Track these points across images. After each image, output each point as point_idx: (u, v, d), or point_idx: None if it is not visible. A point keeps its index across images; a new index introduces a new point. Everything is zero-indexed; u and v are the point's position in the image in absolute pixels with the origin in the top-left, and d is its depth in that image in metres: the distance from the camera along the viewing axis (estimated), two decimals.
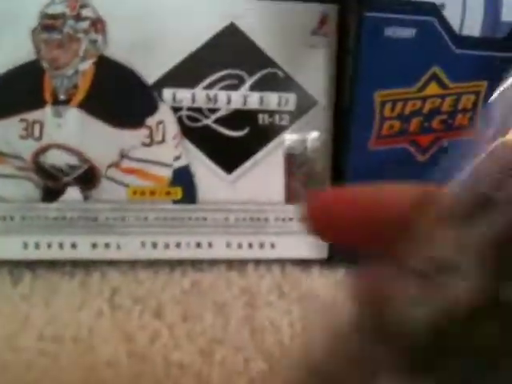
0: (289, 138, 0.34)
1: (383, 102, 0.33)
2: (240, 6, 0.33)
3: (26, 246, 0.34)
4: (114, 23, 0.32)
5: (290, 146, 0.34)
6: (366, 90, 0.32)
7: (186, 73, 0.33)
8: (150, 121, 0.33)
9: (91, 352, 0.29)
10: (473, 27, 0.33)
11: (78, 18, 0.32)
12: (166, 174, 0.34)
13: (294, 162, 0.34)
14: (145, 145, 0.34)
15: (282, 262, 0.35)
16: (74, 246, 0.34)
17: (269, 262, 0.35)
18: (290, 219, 0.35)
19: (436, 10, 0.31)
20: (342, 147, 0.34)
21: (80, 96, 0.33)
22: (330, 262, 0.35)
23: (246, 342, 0.30)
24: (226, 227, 0.35)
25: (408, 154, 0.34)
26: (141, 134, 0.33)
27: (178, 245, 0.34)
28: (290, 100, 0.34)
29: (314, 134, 0.34)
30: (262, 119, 0.34)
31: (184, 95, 0.33)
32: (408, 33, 0.32)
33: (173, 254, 0.34)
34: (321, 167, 0.35)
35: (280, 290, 0.33)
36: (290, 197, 0.35)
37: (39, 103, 0.33)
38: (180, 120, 0.34)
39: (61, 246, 0.34)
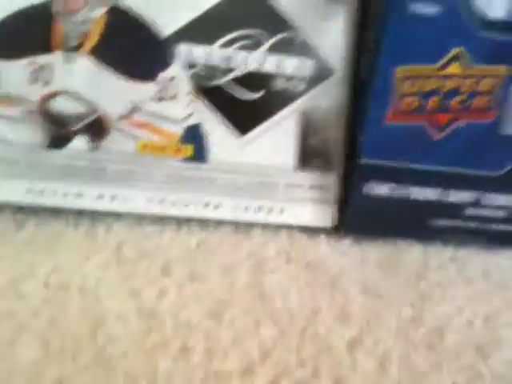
0: (304, 104, 0.34)
1: (403, 77, 0.32)
2: None
3: (30, 191, 0.33)
4: None
5: (305, 112, 0.34)
6: (387, 63, 0.32)
7: (203, 29, 0.32)
8: (163, 75, 0.32)
9: (98, 304, 0.28)
10: (500, 11, 0.33)
11: None
12: (177, 130, 0.33)
13: (307, 129, 0.34)
14: (156, 99, 0.33)
15: (289, 228, 0.35)
16: (79, 195, 0.33)
17: (276, 227, 0.35)
18: (300, 186, 0.35)
19: None
20: (357, 120, 0.34)
21: (91, 43, 0.32)
22: (337, 230, 0.35)
23: (254, 305, 0.30)
24: (234, 189, 0.34)
25: (424, 131, 0.33)
26: (153, 87, 0.32)
27: (186, 203, 0.34)
28: (308, 66, 0.33)
29: (328, 103, 0.34)
30: (278, 83, 0.33)
31: (199, 52, 0.32)
32: (433, 10, 0.31)
33: (180, 211, 0.34)
34: (334, 136, 0.34)
35: (287, 256, 0.33)
36: (302, 164, 0.34)
37: (49, 47, 0.31)
38: (194, 77, 0.33)
39: (66, 194, 0.33)
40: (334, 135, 0.34)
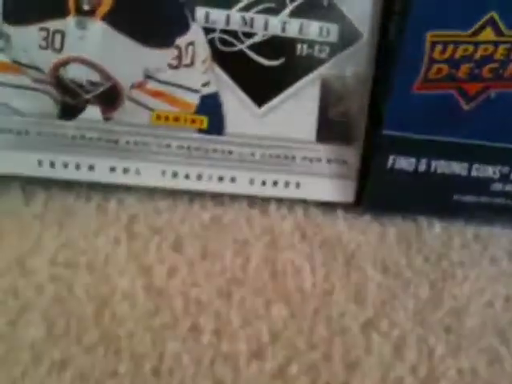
0: (327, 72, 0.32)
1: (434, 43, 0.30)
2: None
3: (40, 163, 0.32)
4: None
5: (328, 80, 0.32)
6: (417, 28, 0.30)
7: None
8: (180, 41, 0.31)
9: (106, 282, 0.28)
10: None
11: None
12: (193, 100, 0.32)
13: (329, 98, 0.32)
14: (172, 67, 0.31)
15: (305, 204, 0.33)
16: (91, 167, 0.32)
17: (292, 203, 0.33)
18: (319, 160, 0.33)
19: None
20: (383, 88, 0.32)
21: (105, 7, 0.30)
22: (355, 206, 0.33)
23: (266, 284, 0.29)
24: (251, 163, 0.33)
25: (453, 101, 0.31)
26: (169, 54, 0.31)
27: (200, 176, 0.33)
28: (332, 31, 0.32)
29: (354, 71, 0.32)
30: (301, 49, 0.32)
31: (218, 16, 0.31)
32: None
33: (193, 185, 0.33)
34: (358, 107, 0.32)
35: (302, 233, 0.32)
36: (322, 136, 0.33)
37: (61, 12, 0.30)
38: (212, 43, 0.31)
39: (78, 166, 0.32)
40: (357, 105, 0.32)
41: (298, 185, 0.33)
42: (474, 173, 0.33)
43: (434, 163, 0.32)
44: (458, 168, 0.33)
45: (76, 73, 0.31)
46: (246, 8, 0.31)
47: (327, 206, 0.33)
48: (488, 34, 0.30)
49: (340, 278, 0.29)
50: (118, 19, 0.30)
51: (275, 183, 0.33)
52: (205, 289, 0.28)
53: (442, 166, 0.33)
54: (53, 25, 0.30)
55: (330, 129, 0.33)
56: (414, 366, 0.26)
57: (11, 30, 0.30)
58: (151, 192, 0.32)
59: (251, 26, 0.31)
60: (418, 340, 0.27)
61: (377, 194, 0.33)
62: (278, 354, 0.26)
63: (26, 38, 0.30)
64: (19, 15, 0.30)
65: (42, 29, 0.30)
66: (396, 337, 0.27)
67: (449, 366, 0.26)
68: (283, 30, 0.31)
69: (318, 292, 0.29)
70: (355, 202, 0.33)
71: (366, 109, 0.32)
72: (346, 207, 0.33)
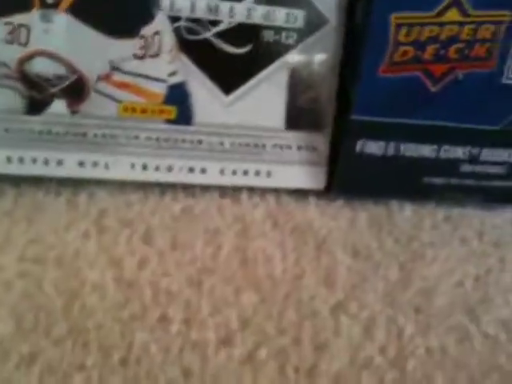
0: (294, 58, 0.32)
1: (398, 25, 0.30)
2: None
3: (9, 160, 0.32)
4: None
5: (295, 67, 0.32)
6: (381, 11, 0.30)
7: None
8: (145, 30, 0.31)
9: (75, 276, 0.28)
10: None
11: None
12: (160, 90, 0.32)
13: (298, 85, 0.32)
14: (138, 57, 0.31)
15: (276, 192, 0.33)
16: (60, 162, 0.32)
17: (263, 191, 0.33)
18: (289, 147, 0.33)
19: None
20: (350, 72, 0.32)
21: (70, 2, 0.30)
22: (327, 193, 0.33)
23: (236, 272, 0.29)
24: (220, 152, 0.33)
25: (420, 83, 0.31)
26: (134, 44, 0.31)
27: (170, 168, 0.33)
28: (299, 16, 0.31)
29: (321, 56, 0.32)
30: (267, 36, 0.32)
31: (183, 4, 0.31)
32: None
33: (164, 176, 0.33)
34: (327, 93, 0.32)
35: (274, 220, 0.32)
36: (291, 123, 0.33)
37: (26, 6, 0.30)
38: (177, 31, 0.31)
39: (46, 162, 0.32)
40: (326, 91, 0.32)
41: (268, 173, 0.33)
42: (443, 155, 0.33)
43: (402, 146, 0.32)
44: (426, 150, 0.33)
45: (41, 67, 0.31)
46: (215, 12, 0.31)
47: (299, 194, 0.33)
48: (453, 15, 0.30)
49: (310, 262, 0.29)
50: (82, 11, 0.30)
51: (246, 172, 0.33)
52: (175, 278, 0.28)
53: (410, 149, 0.33)
54: (17, 19, 0.30)
55: (298, 116, 0.33)
56: (383, 346, 0.26)
57: None
58: (122, 185, 0.32)
59: (216, 13, 0.31)
60: (387, 321, 0.27)
61: (347, 179, 0.33)
62: (247, 340, 0.26)
63: None
64: None
65: (6, 23, 0.30)
66: (365, 318, 0.27)
67: (418, 345, 0.26)
68: (249, 16, 0.31)
69: (289, 277, 0.29)
70: (326, 189, 0.33)
71: (335, 94, 0.32)
72: (317, 194, 0.33)
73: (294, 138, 0.33)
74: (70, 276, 0.28)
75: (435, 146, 0.32)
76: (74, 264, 0.28)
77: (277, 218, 0.32)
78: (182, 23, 0.31)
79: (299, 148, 0.33)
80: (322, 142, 0.33)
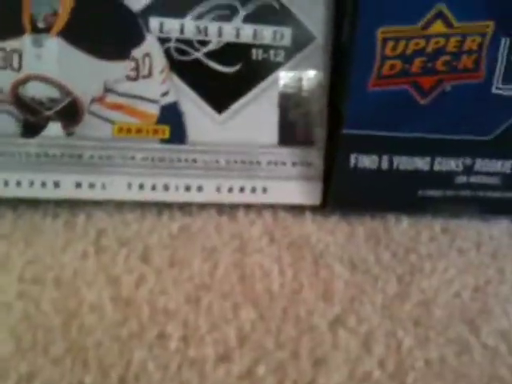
0: (284, 75, 0.32)
1: (385, 39, 0.31)
2: None
3: (6, 183, 0.32)
4: None
5: (285, 84, 0.32)
6: (367, 26, 0.30)
7: (175, 1, 0.31)
8: (136, 52, 0.31)
9: (74, 296, 0.28)
10: None
11: None
12: (153, 110, 0.32)
13: (288, 101, 0.33)
14: (130, 78, 0.32)
15: (273, 208, 0.34)
16: (57, 184, 0.32)
17: (260, 208, 0.33)
18: (283, 163, 0.33)
19: None
20: (340, 87, 0.32)
21: (60, 24, 0.31)
22: (323, 208, 0.33)
23: (234, 288, 0.29)
24: (216, 170, 0.33)
25: (409, 96, 0.32)
26: (126, 66, 0.31)
27: (166, 187, 0.33)
28: (286, 34, 0.32)
29: (310, 73, 0.33)
30: (256, 54, 0.32)
31: (172, 25, 0.31)
32: None
33: (160, 196, 0.33)
34: (317, 108, 0.33)
35: (271, 236, 0.32)
36: (284, 139, 0.33)
37: (17, 31, 0.30)
38: (168, 52, 0.32)
39: (43, 184, 0.32)
40: (316, 107, 0.33)
41: (264, 189, 0.33)
42: (436, 167, 0.33)
43: (395, 159, 0.33)
44: (420, 163, 0.33)
45: (35, 91, 0.31)
46: (200, 16, 0.31)
47: (295, 209, 0.33)
48: (438, 27, 0.31)
49: (308, 277, 0.29)
50: (74, 34, 0.31)
51: (242, 189, 0.33)
52: (173, 296, 0.28)
53: (404, 162, 0.33)
54: (9, 44, 0.30)
55: (291, 131, 0.33)
56: (382, 359, 0.26)
57: None
58: (120, 205, 0.33)
59: (205, 33, 0.31)
60: (386, 334, 0.27)
61: (342, 193, 0.33)
62: (246, 356, 0.26)
63: None
64: None
65: (2, 53, 0.30)
66: (364, 332, 0.27)
67: (417, 358, 0.26)
68: (237, 36, 0.32)
69: (287, 292, 0.29)
70: (322, 203, 0.33)
71: (326, 109, 0.33)
72: (314, 209, 0.33)
73: (288, 153, 0.33)
74: (69, 296, 0.28)
75: (429, 159, 0.33)
76: (72, 284, 0.28)
77: (274, 234, 0.32)
78: (171, 44, 0.31)
79: (294, 164, 0.33)
80: (316, 157, 0.33)
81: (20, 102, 0.31)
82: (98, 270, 0.29)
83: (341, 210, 0.33)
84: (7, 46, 0.30)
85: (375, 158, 0.33)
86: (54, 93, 0.31)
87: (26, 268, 0.29)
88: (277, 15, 0.32)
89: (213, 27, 0.31)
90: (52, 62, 0.31)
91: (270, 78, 0.32)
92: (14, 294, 0.28)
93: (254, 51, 0.32)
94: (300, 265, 0.30)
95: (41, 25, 0.30)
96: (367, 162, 0.33)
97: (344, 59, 0.32)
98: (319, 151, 0.33)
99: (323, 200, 0.33)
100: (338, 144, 0.33)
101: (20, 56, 0.31)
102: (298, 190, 0.34)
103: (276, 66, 0.32)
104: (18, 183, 0.32)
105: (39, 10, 0.30)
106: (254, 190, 0.33)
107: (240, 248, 0.31)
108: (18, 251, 0.30)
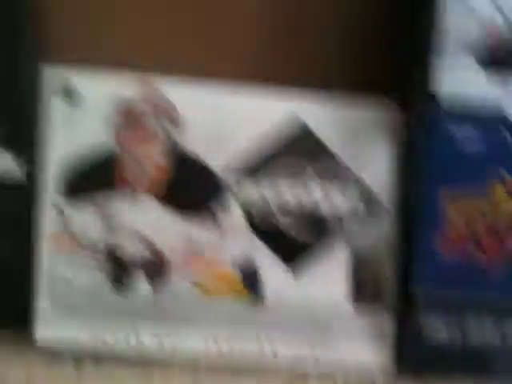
0: (353, 240, 0.34)
1: (449, 202, 0.32)
2: (304, 102, 0.34)
3: (92, 337, 0.33)
4: (190, 121, 0.33)
5: (355, 247, 0.34)
6: (432, 189, 0.32)
7: (255, 167, 0.34)
8: (220, 214, 0.34)
9: None
10: None
11: (157, 113, 0.33)
12: (234, 270, 0.34)
13: (358, 263, 0.34)
14: (214, 239, 0.34)
15: (345, 373, 0.33)
16: (140, 340, 0.33)
17: (332, 373, 0.33)
18: (354, 324, 0.34)
19: (503, 117, 0.32)
20: (408, 249, 0.33)
21: (154, 186, 0.33)
22: (394, 369, 0.33)
23: None
24: (289, 331, 0.34)
25: (475, 256, 0.33)
26: (211, 227, 0.34)
27: (241, 349, 0.34)
28: (359, 206, 0.34)
29: (378, 235, 0.34)
30: (331, 223, 0.34)
31: (254, 194, 0.34)
32: (473, 134, 0.32)
33: (238, 356, 0.33)
34: (387, 269, 0.34)
35: None
36: (355, 299, 0.34)
37: (113, 192, 0.33)
38: (248, 215, 0.34)
39: (126, 337, 0.33)
40: (385, 267, 0.34)
41: (336, 350, 0.33)
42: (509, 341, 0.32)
43: (467, 322, 0.32)
44: (490, 336, 0.32)
45: (128, 248, 0.33)
46: (275, 179, 0.34)
47: (367, 371, 0.33)
48: (499, 191, 0.32)
49: None
50: (165, 196, 0.33)
51: (313, 347, 0.33)
52: None
53: (475, 331, 0.32)
54: (106, 204, 0.33)
55: (361, 293, 0.34)
56: None
57: (69, 210, 0.33)
58: (194, 365, 0.33)
59: (286, 206, 0.34)
60: None
61: (414, 354, 0.33)
62: None
63: (82, 217, 0.33)
64: (76, 196, 0.33)
65: (96, 207, 0.33)
66: None
67: None
68: (315, 209, 0.34)
69: None
70: (394, 364, 0.33)
71: (394, 270, 0.34)
72: (385, 370, 0.33)
73: (359, 317, 0.34)
74: None
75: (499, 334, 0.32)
76: None
77: None
78: (251, 207, 0.34)
79: (365, 327, 0.34)
80: (386, 321, 0.34)
81: (113, 259, 0.33)
82: None
83: (413, 370, 0.33)
84: (103, 205, 0.33)
85: (445, 319, 0.32)
86: (144, 250, 0.33)
87: None
88: (347, 182, 0.34)
89: (292, 201, 0.34)
90: (144, 221, 0.33)
91: (340, 242, 0.34)
92: None
93: (328, 220, 0.34)
94: None
95: (137, 187, 0.33)
96: (437, 321, 0.33)
97: (411, 224, 0.33)
98: (389, 311, 0.34)
99: (394, 360, 0.33)
100: (408, 304, 0.33)
101: (115, 215, 0.33)
102: (369, 354, 0.33)
103: (347, 233, 0.34)
104: (103, 337, 0.33)
105: (136, 173, 0.33)
106: (325, 352, 0.33)
107: None
108: None
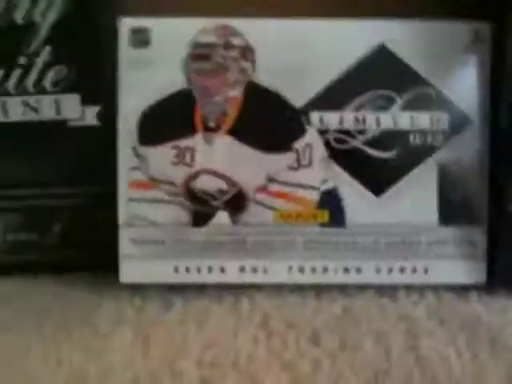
0: (442, 157, 0.33)
1: None
2: (390, 27, 0.33)
3: (176, 269, 0.34)
4: (263, 51, 0.33)
5: (444, 166, 0.33)
6: None
7: (334, 96, 0.33)
8: (298, 144, 0.33)
9: (253, 381, 0.28)
10: None
11: (228, 46, 0.33)
12: (313, 196, 0.33)
13: (448, 182, 0.33)
14: (292, 168, 0.33)
15: (435, 288, 0.33)
16: (222, 270, 0.34)
17: (421, 288, 0.33)
18: (445, 242, 0.33)
19: None
20: (504, 168, 0.32)
21: (229, 123, 0.33)
22: (488, 286, 0.33)
23: (413, 373, 0.28)
24: (375, 251, 0.33)
25: None
26: (288, 157, 0.33)
27: (325, 269, 0.34)
28: (443, 119, 0.33)
29: (468, 154, 0.33)
30: (413, 139, 0.33)
31: (332, 118, 0.33)
32: None
33: (320, 278, 0.34)
34: (479, 188, 0.33)
35: (439, 318, 0.31)
36: (445, 219, 0.33)
37: (190, 131, 0.33)
38: (327, 143, 0.33)
39: (210, 270, 0.34)
40: (477, 187, 0.33)
41: (426, 270, 0.33)
42: None
43: None
44: None
45: (205, 183, 0.33)
46: (358, 108, 0.33)
47: (458, 289, 0.33)
48: None
49: (490, 361, 0.28)
50: (241, 132, 0.33)
51: (402, 270, 0.33)
52: (351, 381, 0.28)
53: None
54: (183, 143, 0.33)
55: (452, 211, 0.33)
56: None
57: (147, 152, 0.33)
58: (279, 288, 0.33)
59: (363, 123, 0.33)
60: None
61: (508, 271, 0.33)
62: None
63: (161, 157, 0.33)
64: (153, 138, 0.33)
65: (173, 147, 0.33)
66: None
67: None
68: (395, 124, 0.33)
69: (469, 376, 0.28)
70: (488, 282, 0.33)
71: (487, 188, 0.33)
72: (478, 288, 0.33)
73: (450, 233, 0.33)
74: (249, 381, 0.28)
75: None
76: (249, 369, 0.29)
77: (441, 315, 0.31)
78: (330, 135, 0.33)
79: (455, 243, 0.33)
80: (478, 235, 0.33)
81: (191, 195, 0.33)
82: (272, 355, 0.30)
83: (507, 287, 0.33)
84: (181, 144, 0.33)
85: None
86: (222, 185, 0.33)
87: (203, 352, 0.30)
88: (433, 101, 0.33)
89: (371, 117, 0.33)
90: (221, 157, 0.33)
91: (428, 161, 0.33)
92: (196, 379, 0.28)
93: (411, 136, 0.33)
94: (477, 347, 0.29)
95: (212, 124, 0.33)
96: None
97: (503, 141, 0.32)
98: (482, 230, 0.33)
99: (488, 278, 0.33)
100: (502, 221, 0.32)
101: (192, 153, 0.33)
102: (460, 270, 0.33)
103: (433, 149, 0.33)
104: (187, 269, 0.34)
105: (211, 111, 0.33)
106: (414, 270, 0.33)
107: (409, 330, 0.31)
108: (193, 337, 0.31)
